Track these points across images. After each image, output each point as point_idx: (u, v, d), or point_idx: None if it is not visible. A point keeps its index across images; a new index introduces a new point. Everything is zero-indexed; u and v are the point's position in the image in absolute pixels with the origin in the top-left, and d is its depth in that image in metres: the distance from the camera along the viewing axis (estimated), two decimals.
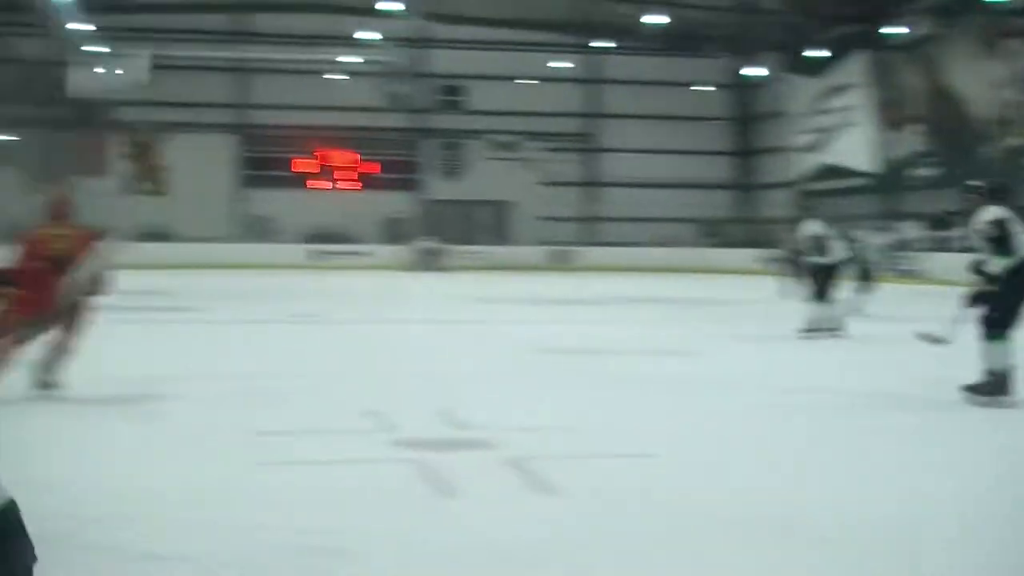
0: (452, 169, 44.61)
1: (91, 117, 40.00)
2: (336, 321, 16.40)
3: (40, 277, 7.87)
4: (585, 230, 44.02)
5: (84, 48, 36.95)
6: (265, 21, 40.70)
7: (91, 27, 35.68)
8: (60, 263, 8.08)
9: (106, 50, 37.39)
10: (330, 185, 43.48)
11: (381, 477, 5.78)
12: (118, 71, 34.31)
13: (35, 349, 8.02)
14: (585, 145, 45.44)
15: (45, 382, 8.04)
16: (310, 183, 43.34)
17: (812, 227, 14.03)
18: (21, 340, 7.75)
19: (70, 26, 34.34)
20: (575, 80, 44.93)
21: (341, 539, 4.56)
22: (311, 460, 6.17)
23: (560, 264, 38.46)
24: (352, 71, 40.68)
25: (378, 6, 36.48)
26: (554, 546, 4.56)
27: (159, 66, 39.67)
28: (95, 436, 6.84)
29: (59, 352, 8.10)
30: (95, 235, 8.45)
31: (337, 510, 5.05)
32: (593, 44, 43.74)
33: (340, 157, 43.77)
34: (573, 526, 4.85)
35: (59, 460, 6.08)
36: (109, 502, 5.12)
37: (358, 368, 10.63)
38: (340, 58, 39.68)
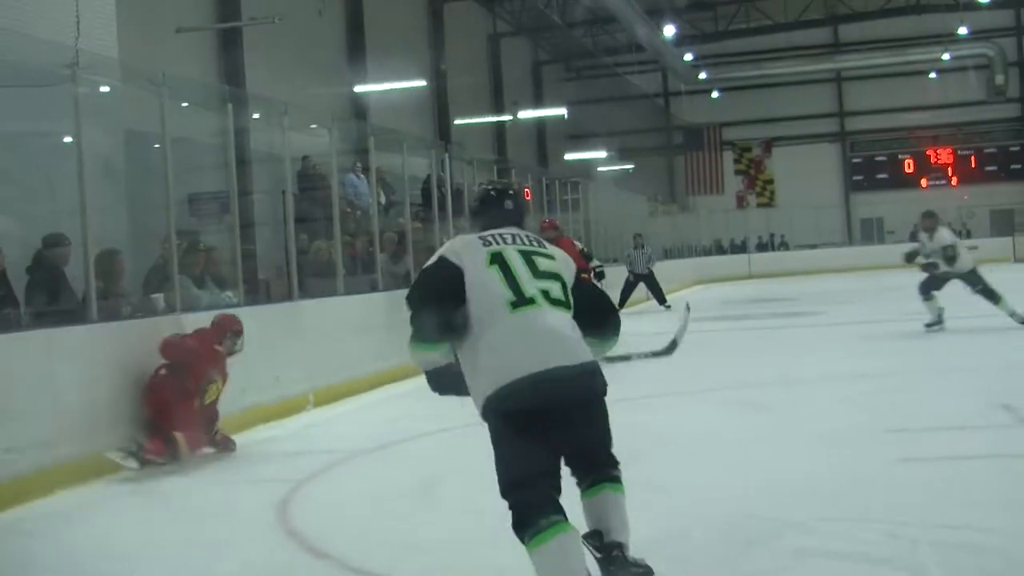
0: None
1: (702, 139, 41.92)
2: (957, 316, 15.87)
3: None
4: None
5: (691, 76, 38.95)
6: (853, 31, 40.28)
7: (691, 57, 37.46)
8: None
9: (705, 76, 39.19)
10: (936, 182, 41.97)
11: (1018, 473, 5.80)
12: None
13: None
14: None
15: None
16: (915, 182, 42.16)
17: None
18: None
19: (677, 58, 36.21)
20: None
21: (982, 536, 4.61)
22: (945, 455, 6.23)
23: None
24: (944, 68, 39.12)
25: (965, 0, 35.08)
26: None
27: (760, 85, 40.79)
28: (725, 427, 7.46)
29: None
30: None
31: (975, 506, 5.11)
32: None
33: (942, 154, 42.24)
34: None
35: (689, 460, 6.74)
36: (749, 497, 5.60)
37: (985, 361, 10.46)
38: (932, 56, 38.29)
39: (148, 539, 5.56)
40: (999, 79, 38.48)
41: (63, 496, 6.44)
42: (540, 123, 36.44)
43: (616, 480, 3.90)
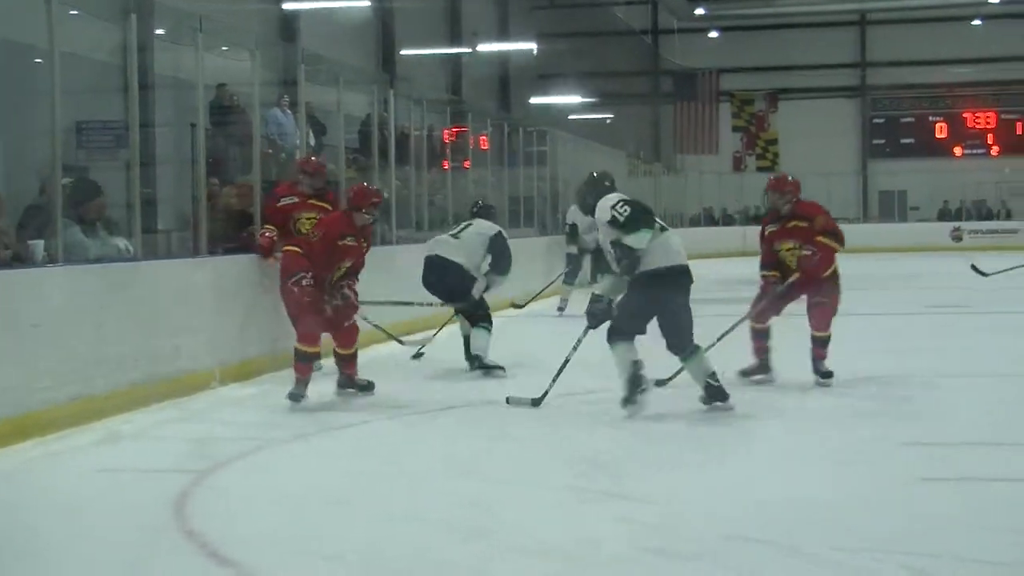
0: None
1: (695, 88, 41.91)
2: (990, 311, 16.04)
3: None
4: None
5: (685, 11, 38.94)
6: None
7: None
8: None
9: (702, 11, 39.12)
10: (972, 151, 42.19)
11: None
12: None
13: None
14: None
15: None
16: (948, 149, 42.35)
17: None
18: None
19: None
20: None
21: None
22: (970, 476, 6.31)
23: None
24: (990, 13, 39.33)
25: None
26: None
27: (768, 25, 40.84)
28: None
29: None
30: None
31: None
32: None
33: (982, 117, 42.47)
34: None
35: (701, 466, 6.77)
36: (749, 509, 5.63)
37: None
38: None
39: (13, 537, 5.52)
40: None
41: None
42: (504, 59, 36.26)
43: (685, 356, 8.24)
